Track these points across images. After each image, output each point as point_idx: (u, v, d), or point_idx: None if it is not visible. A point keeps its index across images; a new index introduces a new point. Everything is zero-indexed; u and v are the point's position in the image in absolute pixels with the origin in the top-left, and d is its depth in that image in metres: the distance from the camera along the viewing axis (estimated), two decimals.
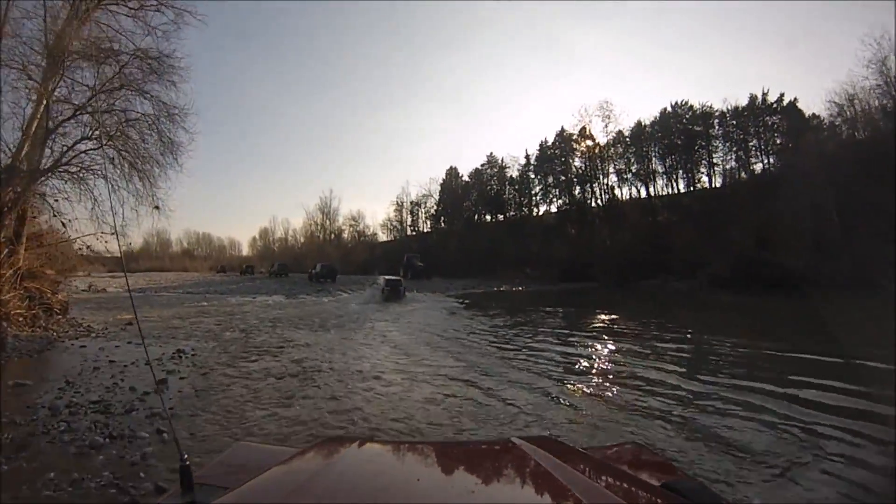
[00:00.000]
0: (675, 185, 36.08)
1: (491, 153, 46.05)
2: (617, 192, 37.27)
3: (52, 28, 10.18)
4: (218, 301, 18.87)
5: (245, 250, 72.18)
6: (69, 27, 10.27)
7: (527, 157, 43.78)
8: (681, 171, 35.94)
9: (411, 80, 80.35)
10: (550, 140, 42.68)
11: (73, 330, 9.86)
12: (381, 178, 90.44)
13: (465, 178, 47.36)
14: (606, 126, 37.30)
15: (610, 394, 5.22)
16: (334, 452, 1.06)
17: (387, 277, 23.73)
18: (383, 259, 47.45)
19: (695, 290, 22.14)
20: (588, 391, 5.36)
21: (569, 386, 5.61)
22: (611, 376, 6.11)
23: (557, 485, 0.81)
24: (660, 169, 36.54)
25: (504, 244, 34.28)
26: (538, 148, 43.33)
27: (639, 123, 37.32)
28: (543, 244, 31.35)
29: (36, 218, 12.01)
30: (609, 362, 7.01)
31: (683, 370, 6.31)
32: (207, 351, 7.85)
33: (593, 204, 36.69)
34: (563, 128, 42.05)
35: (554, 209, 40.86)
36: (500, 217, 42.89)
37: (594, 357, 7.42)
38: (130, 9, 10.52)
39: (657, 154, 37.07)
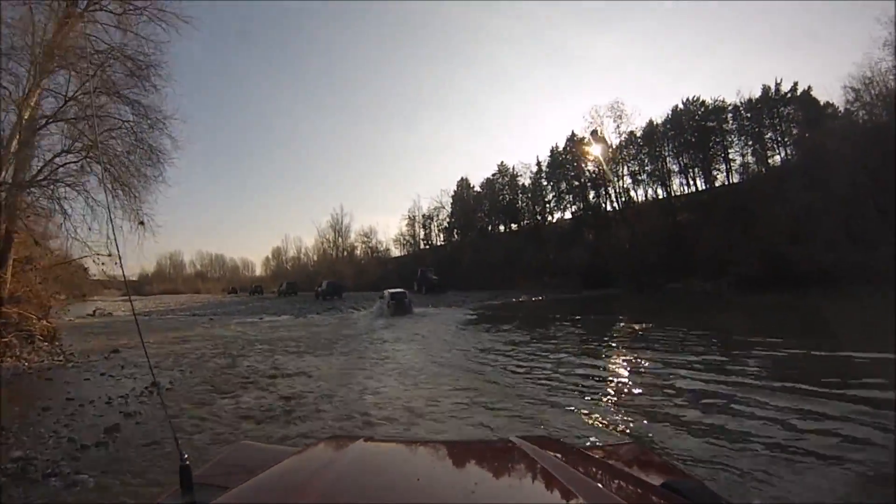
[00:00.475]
0: (691, 183, 34.60)
1: (502, 162, 45.00)
2: (632, 194, 36.19)
3: (36, 37, 9.59)
4: (222, 323, 17.88)
5: (258, 270, 72.08)
6: (56, 34, 9.65)
7: (538, 164, 42.71)
8: (696, 169, 34.49)
9: (419, 94, 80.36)
10: (562, 146, 41.85)
11: (49, 359, 8.87)
12: (392, 193, 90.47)
13: (477, 188, 46.55)
14: (619, 126, 36.06)
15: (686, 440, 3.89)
16: (334, 452, 1.06)
17: (391, 291, 22.48)
18: (396, 274, 46.39)
19: (722, 292, 20.49)
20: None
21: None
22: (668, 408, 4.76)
23: (557, 484, 0.81)
24: (675, 168, 35.24)
25: (520, 253, 32.95)
26: (549, 154, 42.30)
27: (650, 123, 36.07)
28: (560, 251, 29.94)
29: (39, 243, 11.39)
30: (663, 386, 5.64)
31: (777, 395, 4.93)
32: (188, 384, 6.71)
33: (609, 207, 35.38)
34: (573, 132, 41.09)
35: (568, 215, 39.67)
36: (514, 226, 41.63)
37: (643, 374, 6.10)
38: (114, 13, 9.81)
39: (671, 153, 35.72)
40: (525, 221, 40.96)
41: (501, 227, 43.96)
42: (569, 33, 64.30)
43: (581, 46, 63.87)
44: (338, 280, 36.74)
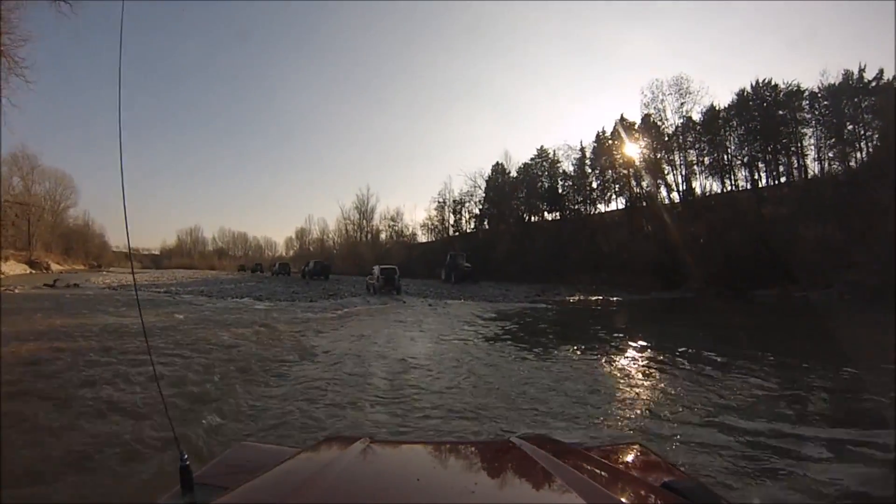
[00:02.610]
0: (758, 175, 30.37)
1: (541, 146, 41.13)
2: (694, 184, 32.05)
3: None
4: (187, 307, 13.95)
5: (281, 250, 70.20)
6: None
7: (581, 149, 38.77)
8: (769, 159, 30.22)
9: (454, 85, 77.08)
10: (609, 129, 37.69)
11: None
12: (419, 182, 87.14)
13: (513, 173, 42.82)
14: (682, 105, 31.34)
15: None
16: (334, 452, 1.04)
17: (381, 266, 21.27)
18: (422, 260, 43.34)
19: (832, 304, 16.58)
20: None
21: None
22: None
23: (558, 484, 0.80)
24: (740, 159, 30.95)
25: (566, 245, 29.37)
26: (595, 140, 38.29)
27: (712, 107, 31.73)
28: (617, 245, 26.35)
29: None
30: None
31: None
32: None
33: (669, 197, 31.30)
34: (622, 116, 36.80)
35: (615, 206, 35.73)
36: (556, 215, 37.99)
37: None
38: None
39: (736, 141, 31.44)
40: (570, 210, 37.19)
41: (538, 216, 40.44)
42: (602, 28, 60.07)
43: (615, 41, 59.60)
44: (325, 261, 38.11)
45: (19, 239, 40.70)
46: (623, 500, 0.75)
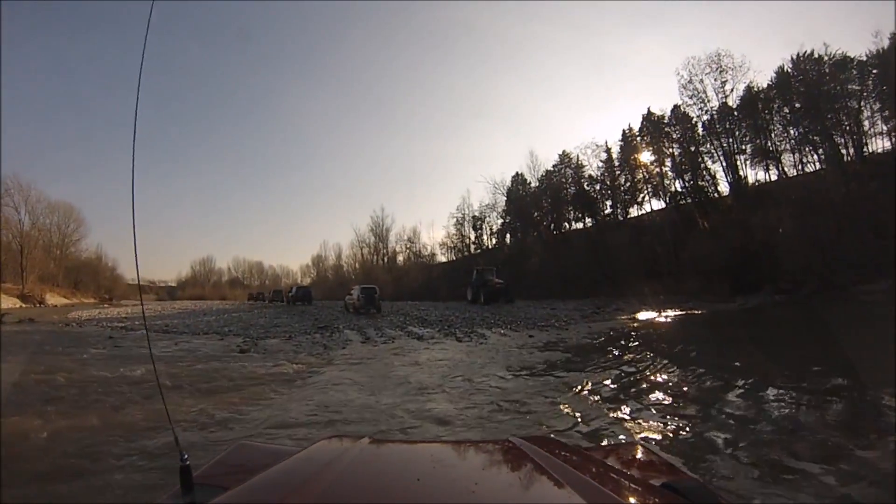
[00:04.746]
0: (823, 156, 26.64)
1: (563, 151, 38.24)
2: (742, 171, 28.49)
3: None
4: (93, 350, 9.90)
5: (298, 278, 68.18)
6: None
7: (607, 150, 35.77)
8: (819, 140, 26.60)
9: (468, 102, 75.82)
10: (637, 126, 34.66)
11: None
12: (438, 197, 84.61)
13: (540, 174, 39.66)
14: (724, 84, 27.78)
15: None
16: (334, 452, 1.01)
17: (362, 286, 21.04)
18: (443, 280, 40.22)
19: None
20: None
21: None
22: None
23: (557, 484, 0.78)
24: (792, 141, 27.40)
25: (608, 252, 25.97)
26: (621, 138, 35.29)
27: (749, 88, 28.49)
28: (672, 247, 22.84)
29: None
30: None
31: None
32: None
33: (716, 189, 27.78)
34: (649, 110, 33.92)
35: (654, 205, 32.34)
36: (589, 221, 34.64)
37: None
38: None
39: (781, 123, 27.96)
40: (603, 215, 33.84)
41: (565, 225, 37.21)
42: (610, 36, 58.24)
43: (626, 47, 57.68)
44: (307, 286, 39.75)
45: (12, 271, 38.63)
46: (623, 500, 0.73)
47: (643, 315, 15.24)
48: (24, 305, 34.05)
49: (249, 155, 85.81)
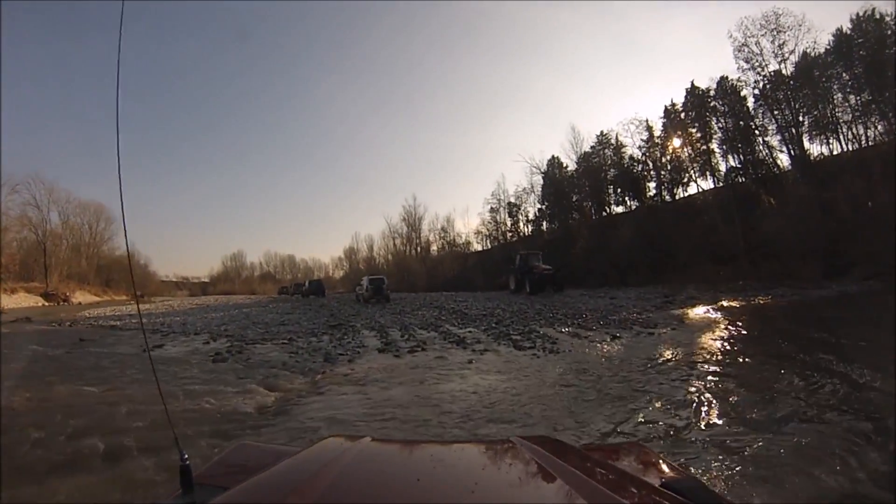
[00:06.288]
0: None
1: (602, 131, 36.60)
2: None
3: None
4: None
5: (330, 270, 68.59)
6: None
7: (648, 128, 33.99)
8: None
9: (497, 92, 74.02)
10: (679, 101, 32.68)
11: None
12: (469, 188, 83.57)
13: (571, 166, 38.23)
14: (782, 46, 25.37)
15: None
16: (334, 452, 1.00)
17: (371, 277, 21.70)
18: (478, 270, 39.51)
19: None
20: None
21: None
22: None
23: (558, 484, 0.79)
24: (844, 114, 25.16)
25: (664, 235, 24.67)
26: (663, 114, 33.40)
27: (805, 55, 26.07)
28: (737, 228, 21.39)
29: None
30: None
31: None
32: None
33: (776, 164, 25.84)
34: (693, 83, 31.87)
35: (702, 185, 30.58)
36: (632, 204, 33.20)
37: None
38: None
39: (842, 92, 25.59)
40: (650, 196, 32.33)
41: (608, 207, 35.82)
42: (640, 20, 55.31)
43: (655, 30, 54.67)
44: (320, 280, 42.07)
45: (35, 270, 38.80)
46: (623, 499, 0.72)
47: (731, 304, 13.85)
48: (46, 304, 33.85)
49: (281, 151, 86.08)
